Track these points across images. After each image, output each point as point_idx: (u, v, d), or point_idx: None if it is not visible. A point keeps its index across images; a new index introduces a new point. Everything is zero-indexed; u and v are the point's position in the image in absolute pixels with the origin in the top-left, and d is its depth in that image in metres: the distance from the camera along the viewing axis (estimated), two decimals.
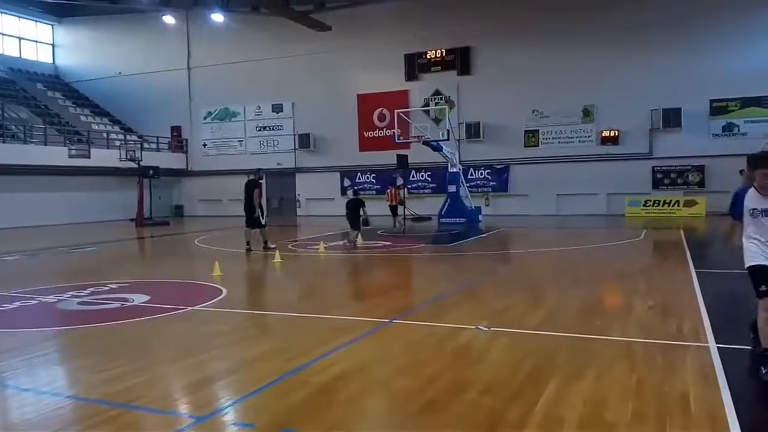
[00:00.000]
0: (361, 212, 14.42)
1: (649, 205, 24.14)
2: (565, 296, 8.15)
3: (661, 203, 24.01)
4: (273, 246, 13.88)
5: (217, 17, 28.71)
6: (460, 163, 23.36)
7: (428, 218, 23.60)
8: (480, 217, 22.66)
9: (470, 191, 24.42)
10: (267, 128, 30.95)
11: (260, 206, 14.04)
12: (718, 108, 23.44)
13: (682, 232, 16.86)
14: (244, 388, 4.70)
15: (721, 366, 4.77)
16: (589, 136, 25.23)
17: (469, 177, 25.87)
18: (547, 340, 5.83)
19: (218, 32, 29.84)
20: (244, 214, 14.05)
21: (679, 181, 24.06)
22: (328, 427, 3.84)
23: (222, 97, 31.44)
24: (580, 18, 24.49)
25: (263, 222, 14.05)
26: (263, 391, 4.55)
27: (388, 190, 20.98)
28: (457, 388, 4.51)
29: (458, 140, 26.25)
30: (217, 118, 32.02)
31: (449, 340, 5.92)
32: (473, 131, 26.60)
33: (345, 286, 9.98)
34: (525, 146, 26.11)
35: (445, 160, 22.82)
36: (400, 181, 22.98)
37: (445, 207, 22.28)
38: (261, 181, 14.64)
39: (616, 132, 24.69)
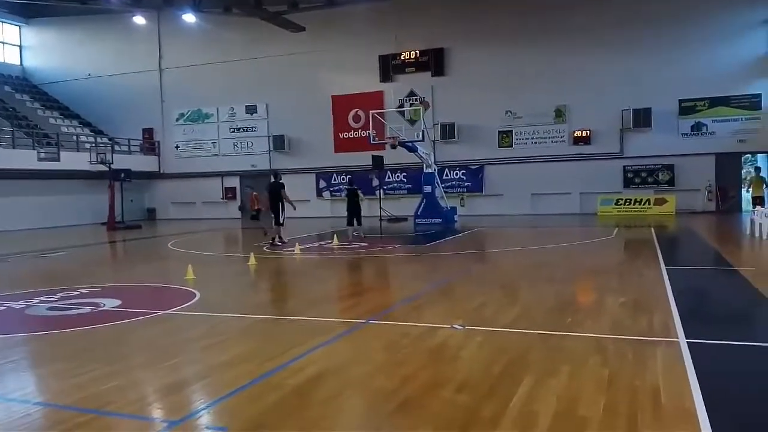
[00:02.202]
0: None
1: (621, 204, 24.53)
2: (539, 294, 8.24)
3: (633, 202, 24.42)
4: (285, 241, 15.43)
5: (189, 18, 28.33)
6: (435, 164, 23.48)
7: (404, 219, 23.65)
8: (455, 217, 22.80)
9: (445, 192, 24.56)
10: (241, 130, 30.70)
11: (283, 206, 15.53)
12: (686, 108, 23.93)
13: (652, 230, 17.19)
14: (217, 391, 4.65)
15: (691, 360, 4.87)
16: (561, 137, 25.55)
17: (444, 177, 26.02)
18: (521, 337, 5.89)
19: (190, 33, 29.49)
20: (272, 214, 15.52)
21: (650, 180, 24.50)
22: (303, 429, 3.82)
23: (194, 99, 31.09)
24: (552, 20, 24.81)
25: (282, 221, 15.59)
26: (237, 394, 4.51)
27: (251, 196, 19.02)
28: (433, 386, 4.53)
29: (433, 141, 26.37)
30: (189, 120, 31.65)
31: (425, 340, 5.94)
32: (448, 132, 26.74)
33: (320, 288, 9.93)
34: (499, 146, 26.34)
35: (420, 161, 22.90)
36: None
37: (421, 207, 22.36)
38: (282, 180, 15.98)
39: (588, 132, 25.05)
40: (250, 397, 4.45)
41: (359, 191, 16.58)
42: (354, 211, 16.18)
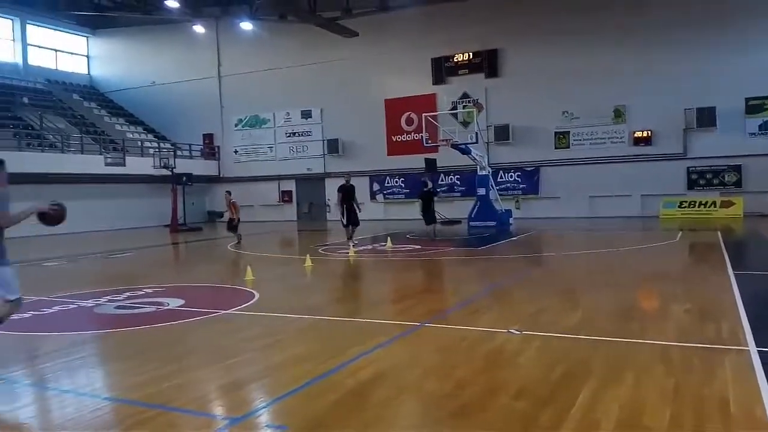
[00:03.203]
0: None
1: (685, 207, 23.62)
2: (600, 299, 8.02)
3: (697, 204, 23.47)
4: (356, 243, 15.58)
5: (246, 26, 29.12)
6: (489, 166, 23.21)
7: (458, 222, 23.50)
8: (510, 220, 22.47)
9: (500, 194, 24.26)
10: (296, 134, 31.24)
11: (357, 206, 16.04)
12: (754, 106, 22.83)
13: (719, 233, 16.45)
14: (277, 390, 4.75)
15: (762, 370, 4.64)
16: (621, 137, 24.83)
17: (498, 180, 25.69)
18: (582, 343, 5.75)
19: (247, 40, 30.27)
20: (343, 215, 15.84)
21: (715, 181, 23.49)
22: (361, 430, 3.85)
23: (252, 105, 31.87)
24: (610, 17, 24.16)
25: (357, 221, 15.96)
26: (296, 393, 4.59)
27: (229, 202, 18.17)
28: (490, 392, 4.48)
29: (487, 143, 26.11)
30: (247, 125, 32.45)
31: (481, 344, 5.88)
32: (502, 134, 26.43)
33: (375, 290, 10.00)
34: (555, 148, 25.83)
35: (474, 163, 22.71)
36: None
37: (475, 210, 22.15)
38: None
39: (649, 132, 24.25)
40: (308, 397, 4.52)
41: (434, 190, 17.35)
42: (430, 211, 16.67)
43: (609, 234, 18.45)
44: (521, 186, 26.40)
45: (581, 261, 12.40)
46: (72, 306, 8.46)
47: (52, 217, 5.35)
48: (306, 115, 30.90)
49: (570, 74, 24.90)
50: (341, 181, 16.46)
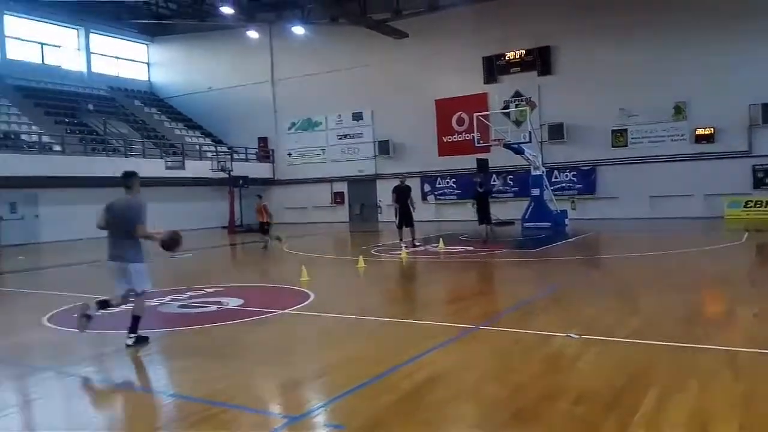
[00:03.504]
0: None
1: (750, 207, 22.54)
2: (662, 303, 7.76)
3: (764, 204, 22.36)
4: (419, 244, 15.66)
5: (298, 30, 29.59)
6: (543, 166, 22.79)
7: (511, 223, 23.19)
8: (566, 220, 21.97)
9: (555, 194, 23.76)
10: (348, 136, 31.52)
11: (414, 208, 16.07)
12: None
13: None
14: (334, 390, 4.81)
15: None
16: (682, 135, 23.92)
17: (553, 180, 25.18)
18: (644, 349, 5.58)
19: (299, 44, 30.73)
20: (396, 216, 16.05)
21: None
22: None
23: (305, 108, 32.33)
24: (668, 10, 23.30)
25: (413, 223, 16.00)
26: (353, 393, 4.64)
27: (259, 206, 18.41)
28: (549, 396, 4.41)
29: (541, 142, 25.65)
30: (300, 129, 32.96)
31: (538, 348, 5.79)
32: (556, 132, 25.91)
33: (429, 291, 9.99)
34: (612, 146, 25.12)
35: (527, 163, 22.35)
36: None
37: (529, 211, 21.78)
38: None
39: (712, 129, 23.26)
40: (365, 397, 4.57)
41: (488, 189, 17.41)
42: (485, 211, 16.66)
43: (671, 235, 17.81)
44: (577, 186, 25.82)
45: (642, 263, 12.01)
46: None
47: (171, 244, 6.89)
48: (357, 117, 31.14)
49: (627, 70, 24.16)
50: (393, 182, 16.51)
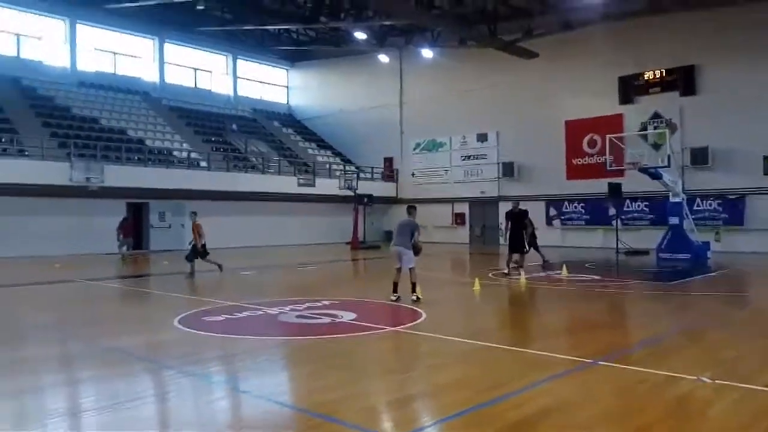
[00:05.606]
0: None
1: None
2: None
3: None
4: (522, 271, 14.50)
5: (427, 53, 30.03)
6: (683, 193, 21.06)
7: (645, 252, 21.63)
8: (708, 253, 20.05)
9: (696, 224, 21.82)
10: (471, 157, 31.30)
11: (526, 233, 15.53)
12: None
13: None
14: (436, 413, 4.71)
15: None
16: None
17: (694, 208, 23.17)
18: None
19: (427, 67, 31.17)
20: (508, 240, 15.39)
21: None
22: None
23: (430, 129, 32.63)
24: None
25: (527, 249, 15.50)
26: (455, 419, 4.50)
27: (195, 225, 15.28)
28: None
29: (682, 167, 23.79)
30: (425, 149, 33.28)
31: (664, 389, 5.27)
32: (700, 157, 23.89)
33: (546, 320, 9.53)
34: (765, 174, 22.68)
35: (665, 189, 20.78)
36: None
37: (666, 241, 20.17)
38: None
39: None
40: (467, 424, 4.41)
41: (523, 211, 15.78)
42: (519, 237, 15.29)
43: None
44: (722, 216, 23.57)
45: None
46: (259, 312, 9.26)
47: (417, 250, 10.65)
48: (482, 138, 30.85)
49: None
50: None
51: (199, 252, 14.94)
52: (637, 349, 7.11)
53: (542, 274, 15.22)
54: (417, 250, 10.57)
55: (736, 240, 22.96)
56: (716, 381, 5.34)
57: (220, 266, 15.05)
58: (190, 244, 15.41)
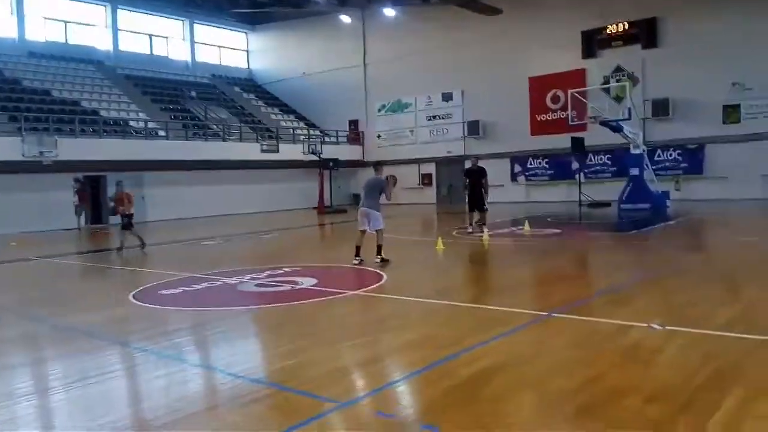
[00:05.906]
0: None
1: None
2: (765, 293, 6.98)
3: None
4: (486, 228, 14.25)
5: (389, 12, 29.44)
6: (644, 144, 21.31)
7: (607, 204, 21.97)
8: (667, 202, 20.46)
9: (657, 174, 22.19)
10: (437, 117, 31.12)
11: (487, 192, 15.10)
12: None
13: None
14: (389, 375, 4.70)
15: None
16: None
17: (655, 159, 23.52)
18: (736, 342, 5.02)
19: (390, 27, 30.61)
20: (467, 198, 15.19)
21: None
22: (471, 424, 3.65)
23: (395, 90, 32.23)
24: None
25: (486, 206, 15.06)
26: (408, 380, 4.50)
27: (120, 194, 14.47)
28: (619, 392, 4.04)
29: (643, 119, 24.03)
30: (390, 111, 32.94)
31: (614, 339, 5.35)
32: (660, 109, 24.15)
33: (506, 276, 9.60)
34: (724, 123, 23.07)
35: (626, 141, 21.00)
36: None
37: (627, 192, 20.50)
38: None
39: None
40: (420, 385, 4.41)
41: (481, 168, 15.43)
42: (476, 195, 15.07)
43: None
44: (682, 165, 24.00)
45: (748, 249, 10.92)
46: (218, 283, 9.11)
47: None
48: (447, 97, 30.63)
49: (741, 41, 22.01)
50: (480, 164, 15.92)
51: (124, 223, 14.18)
52: (593, 300, 7.20)
53: (505, 230, 15.30)
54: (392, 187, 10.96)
55: (696, 188, 23.46)
56: (666, 327, 5.44)
57: (143, 243, 14.22)
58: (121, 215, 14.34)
